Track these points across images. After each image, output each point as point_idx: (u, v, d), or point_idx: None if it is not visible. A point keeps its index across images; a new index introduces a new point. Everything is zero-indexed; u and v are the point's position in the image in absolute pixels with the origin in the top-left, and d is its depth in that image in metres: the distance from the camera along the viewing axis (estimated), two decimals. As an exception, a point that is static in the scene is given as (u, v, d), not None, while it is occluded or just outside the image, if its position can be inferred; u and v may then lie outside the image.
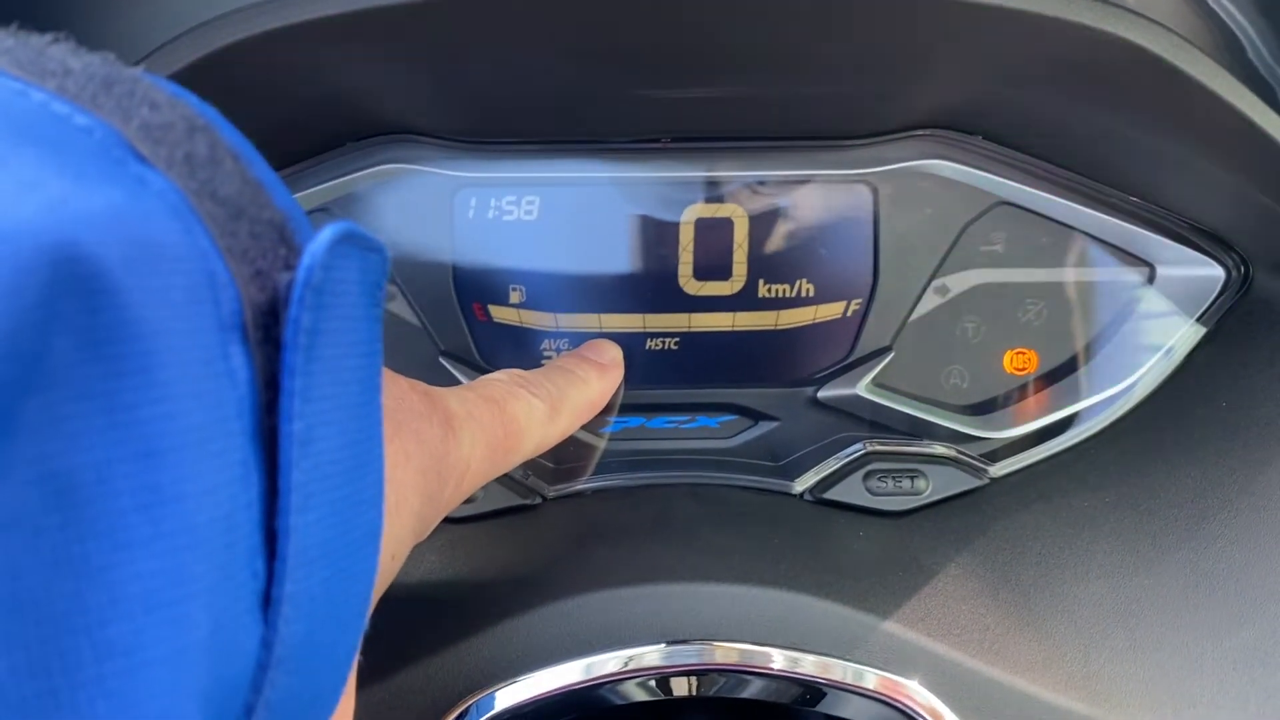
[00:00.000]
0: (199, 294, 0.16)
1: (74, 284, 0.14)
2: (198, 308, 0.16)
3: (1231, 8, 0.39)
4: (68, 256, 0.14)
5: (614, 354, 0.44)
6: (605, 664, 0.35)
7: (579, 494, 0.45)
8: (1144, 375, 0.45)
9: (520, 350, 0.46)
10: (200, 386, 0.16)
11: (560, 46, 0.38)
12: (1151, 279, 0.46)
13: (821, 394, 0.46)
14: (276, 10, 0.35)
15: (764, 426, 0.46)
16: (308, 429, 0.17)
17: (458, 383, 0.45)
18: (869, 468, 0.43)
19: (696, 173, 0.46)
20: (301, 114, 0.42)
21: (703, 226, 0.46)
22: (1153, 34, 0.36)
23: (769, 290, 0.47)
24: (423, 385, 0.31)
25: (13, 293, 0.13)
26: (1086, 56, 0.37)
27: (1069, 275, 0.46)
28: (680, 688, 0.36)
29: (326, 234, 0.17)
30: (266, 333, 0.17)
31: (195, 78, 0.36)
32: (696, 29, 0.36)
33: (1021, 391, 0.46)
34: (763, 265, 0.46)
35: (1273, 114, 0.38)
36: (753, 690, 0.36)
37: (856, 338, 0.46)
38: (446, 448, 0.30)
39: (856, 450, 0.44)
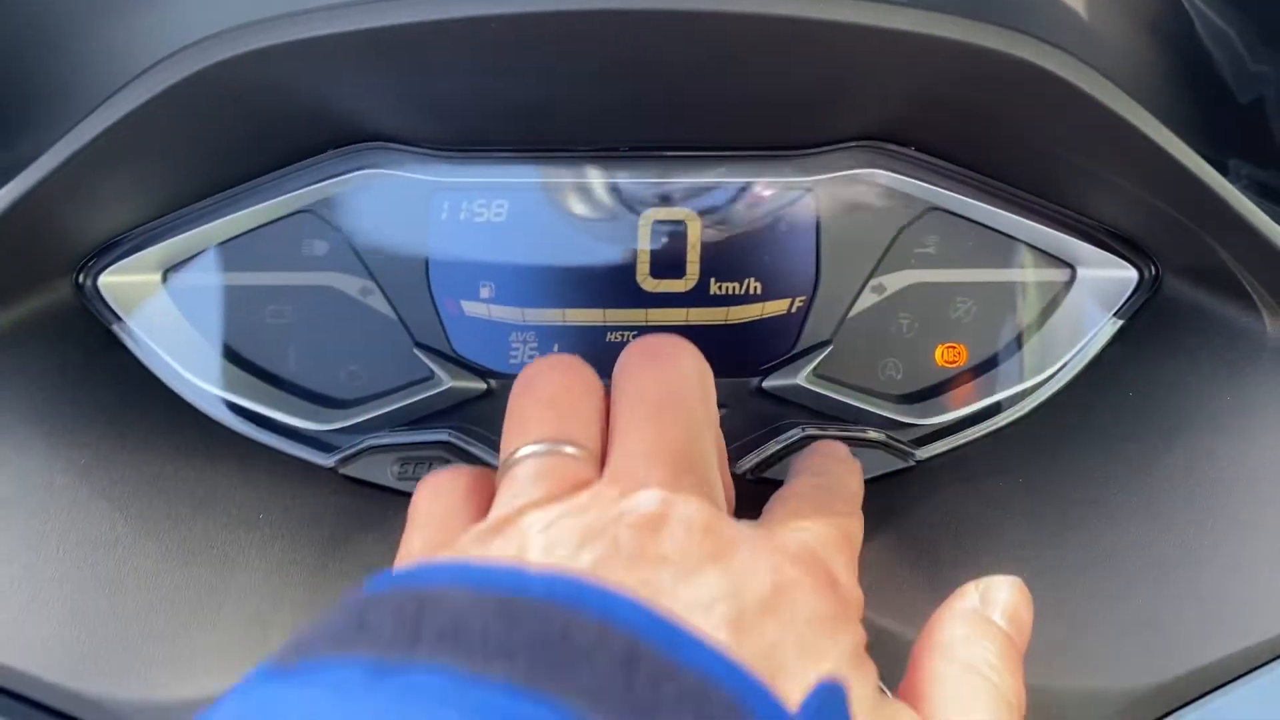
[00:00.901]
0: None
1: None
2: None
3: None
4: None
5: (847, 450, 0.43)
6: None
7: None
8: (1062, 367, 0.49)
9: (490, 342, 0.50)
10: None
11: (527, 73, 0.42)
12: (1072, 279, 0.50)
13: (766, 384, 0.50)
14: (263, 31, 0.39)
15: (713, 414, 0.50)
16: None
17: (431, 372, 0.49)
18: (806, 450, 0.47)
19: (653, 179, 0.50)
20: (287, 124, 0.46)
21: (659, 228, 0.50)
22: (1055, 58, 0.40)
23: (720, 288, 0.50)
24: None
25: None
26: (992, 78, 0.41)
27: (996, 275, 0.50)
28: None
29: None
30: None
31: (188, 90, 0.40)
32: (640, 78, 0.40)
33: (951, 382, 0.50)
34: (714, 265, 0.50)
35: (1167, 131, 0.42)
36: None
37: (799, 332, 0.50)
38: None
39: (795, 434, 0.48)
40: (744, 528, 0.30)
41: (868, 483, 0.46)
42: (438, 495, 0.33)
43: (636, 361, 0.34)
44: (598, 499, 0.29)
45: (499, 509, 0.29)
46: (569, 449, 0.31)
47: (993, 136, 0.47)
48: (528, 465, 0.31)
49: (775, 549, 0.28)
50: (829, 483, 0.39)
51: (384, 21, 0.38)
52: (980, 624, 0.33)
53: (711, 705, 0.22)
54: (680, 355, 0.34)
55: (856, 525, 0.38)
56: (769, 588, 0.26)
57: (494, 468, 0.34)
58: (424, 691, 0.21)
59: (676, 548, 0.27)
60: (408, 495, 0.45)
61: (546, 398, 0.33)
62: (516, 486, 0.30)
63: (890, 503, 0.46)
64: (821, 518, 0.35)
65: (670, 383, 0.33)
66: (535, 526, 0.28)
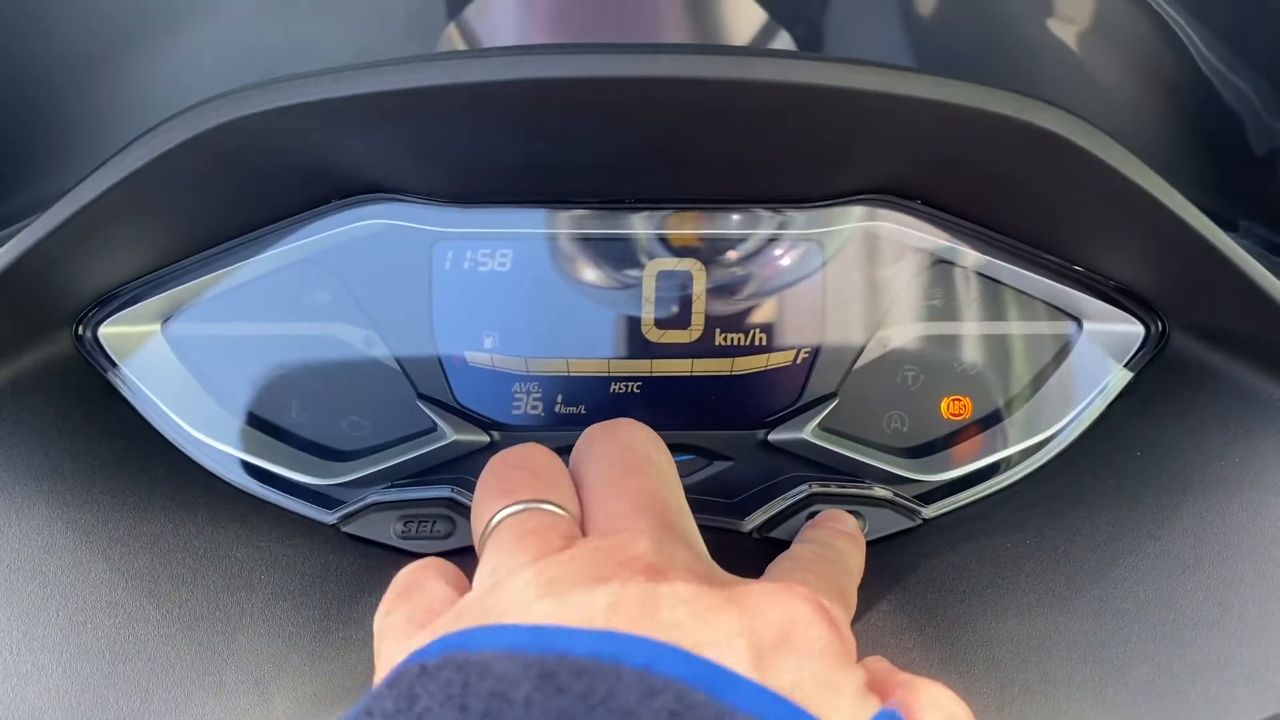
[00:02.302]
0: None
1: None
2: None
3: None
4: None
5: (854, 524, 0.44)
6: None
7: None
8: (1069, 424, 0.49)
9: (493, 393, 0.50)
10: None
11: (535, 133, 0.41)
12: (1078, 334, 0.50)
13: (772, 436, 0.49)
14: (269, 94, 0.39)
15: (718, 466, 0.50)
16: None
17: (434, 424, 0.48)
18: (812, 509, 0.47)
19: (658, 230, 0.49)
20: (291, 178, 0.45)
21: (664, 279, 0.50)
22: (1064, 122, 0.40)
23: (725, 339, 0.50)
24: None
25: None
26: (1001, 141, 0.41)
27: (1002, 329, 0.50)
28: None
29: None
30: None
31: (194, 149, 0.40)
32: (650, 138, 0.40)
33: (956, 436, 0.50)
34: (719, 315, 0.50)
35: (1177, 194, 0.42)
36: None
37: (805, 384, 0.50)
38: None
39: (802, 491, 0.48)
40: (742, 580, 0.30)
41: (874, 543, 0.46)
42: (421, 569, 0.34)
43: (596, 435, 0.36)
44: (596, 550, 0.29)
45: (490, 572, 0.29)
46: (549, 506, 0.32)
47: (1000, 193, 0.47)
48: (511, 525, 0.31)
49: (783, 590, 0.28)
50: (832, 554, 0.40)
51: (394, 85, 0.38)
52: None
53: None
54: (635, 425, 0.36)
55: (853, 590, 0.40)
56: (783, 625, 0.27)
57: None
58: None
59: (688, 590, 0.27)
60: (410, 555, 0.45)
61: (521, 463, 0.34)
62: (503, 548, 0.30)
63: (896, 563, 0.45)
64: (822, 576, 0.37)
65: (634, 446, 0.35)
66: (537, 581, 0.28)
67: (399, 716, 0.23)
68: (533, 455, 0.35)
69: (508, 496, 0.32)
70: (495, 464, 0.35)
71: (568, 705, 0.22)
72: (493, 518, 0.32)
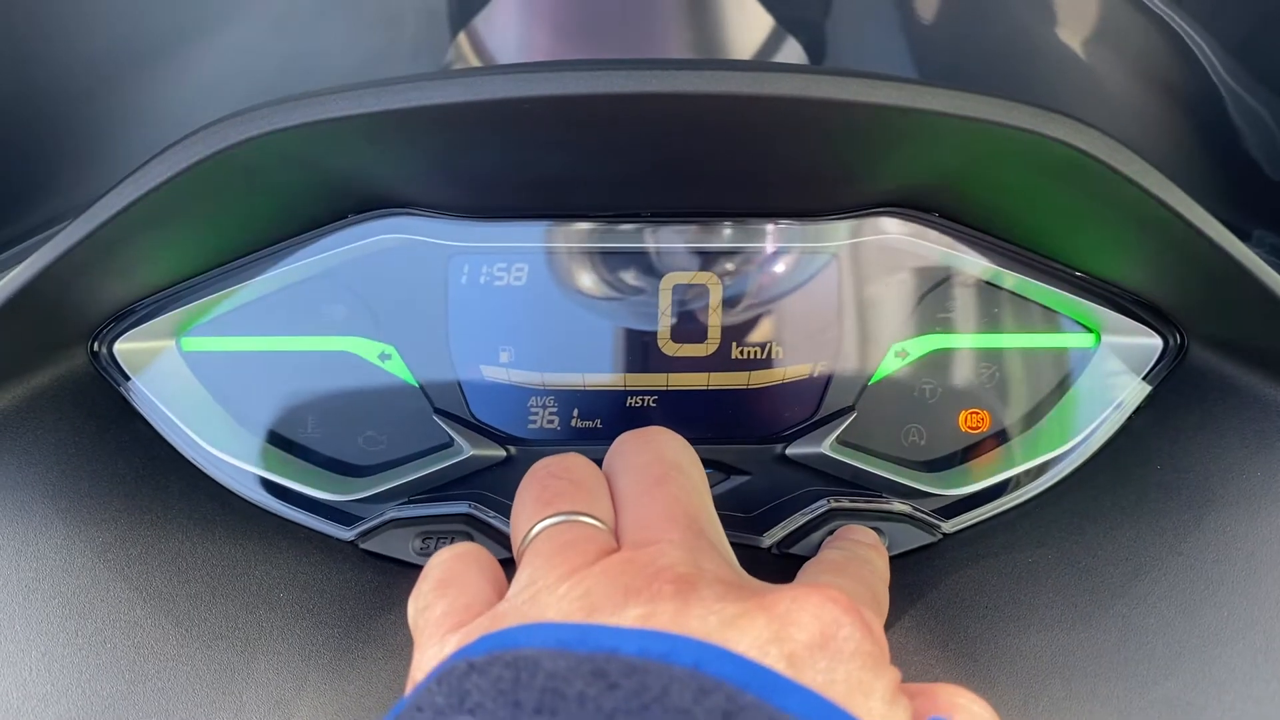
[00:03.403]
0: None
1: None
2: None
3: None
4: None
5: (875, 536, 0.45)
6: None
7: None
8: (1088, 437, 0.49)
9: (509, 407, 0.50)
10: None
11: (553, 148, 0.41)
12: (1096, 346, 0.50)
13: (790, 451, 0.49)
14: (288, 111, 0.38)
15: (735, 480, 0.50)
16: None
17: (450, 439, 0.48)
18: (832, 524, 0.47)
19: (675, 244, 0.49)
20: (309, 194, 0.45)
21: (680, 292, 0.50)
22: (1088, 137, 0.40)
23: (741, 352, 0.50)
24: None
25: None
26: (1028, 155, 0.40)
27: (1019, 341, 0.50)
28: None
29: None
30: None
31: (216, 163, 0.39)
32: (667, 152, 0.40)
33: (975, 450, 0.50)
34: (735, 329, 0.50)
35: (1198, 207, 0.42)
36: None
37: (822, 398, 0.50)
38: None
39: (820, 507, 0.47)
40: (773, 586, 0.30)
41: (894, 559, 0.46)
42: (458, 561, 0.33)
43: (629, 444, 0.36)
44: (628, 562, 0.29)
45: (528, 582, 0.30)
46: (587, 519, 0.32)
47: (1018, 206, 0.47)
48: (550, 537, 0.31)
49: (813, 593, 0.28)
50: (860, 558, 0.40)
51: (412, 103, 0.37)
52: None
53: None
54: (667, 434, 0.37)
55: (884, 592, 0.40)
56: (816, 629, 0.27)
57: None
58: None
59: (718, 599, 0.27)
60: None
61: (562, 472, 0.34)
62: (541, 559, 0.30)
63: (917, 579, 0.45)
64: (853, 578, 0.37)
65: (665, 456, 0.35)
66: (572, 594, 0.28)
67: (451, 713, 0.23)
68: (574, 466, 0.35)
69: (548, 507, 0.32)
70: (537, 472, 0.35)
71: (621, 702, 0.22)
72: (532, 528, 0.32)
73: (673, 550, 0.30)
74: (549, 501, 0.33)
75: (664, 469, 0.34)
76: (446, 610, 0.31)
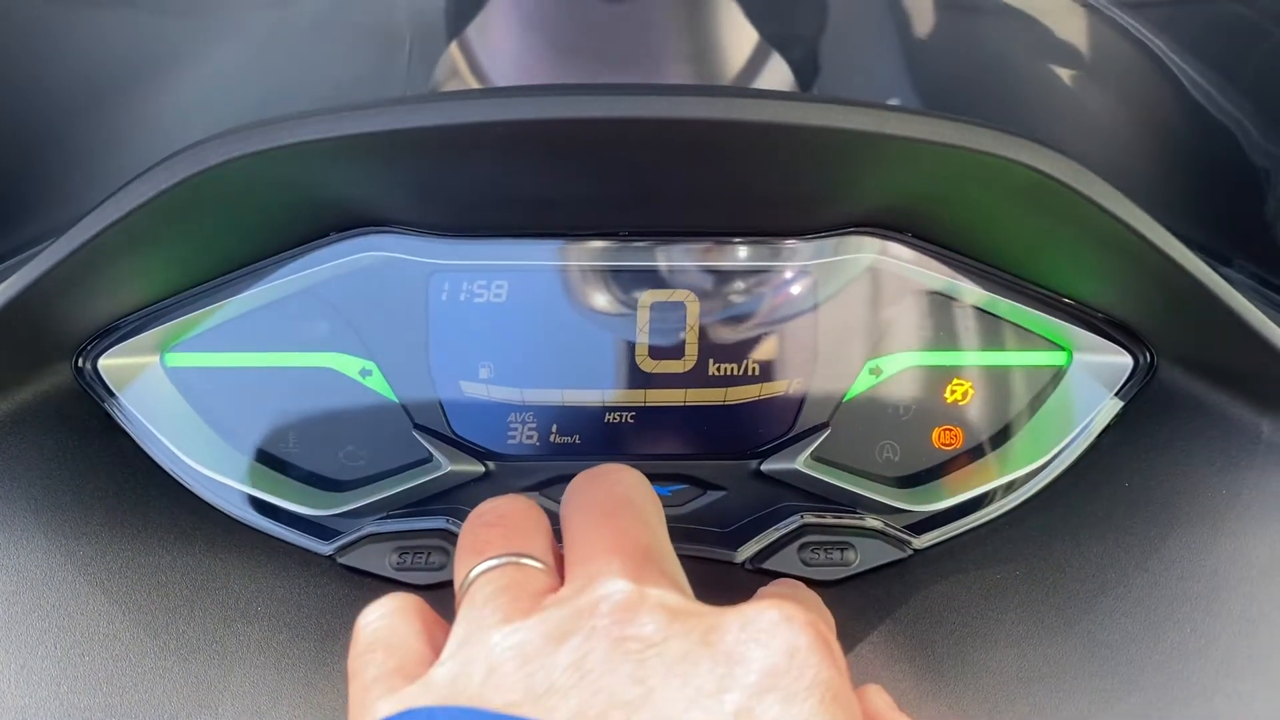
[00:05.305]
0: None
1: None
2: None
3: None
4: None
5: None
6: None
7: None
8: (1059, 454, 0.49)
9: (488, 423, 0.50)
10: None
11: (533, 169, 0.42)
12: (1068, 365, 0.50)
13: (765, 466, 0.50)
14: (269, 133, 0.39)
15: (711, 496, 0.50)
16: None
17: (429, 454, 0.49)
18: (804, 539, 0.47)
19: (652, 262, 0.50)
20: (290, 213, 0.46)
21: (658, 310, 0.50)
22: (1051, 161, 0.40)
23: (718, 369, 0.51)
24: None
25: None
26: (994, 178, 0.41)
27: (992, 359, 0.51)
28: None
29: None
30: None
31: (197, 184, 0.40)
32: (646, 174, 0.41)
33: (947, 466, 0.50)
34: (713, 346, 0.51)
35: (1165, 232, 0.42)
36: None
37: (797, 414, 0.50)
38: None
39: (794, 522, 0.48)
40: (722, 609, 0.29)
41: (864, 574, 0.46)
42: (387, 620, 0.33)
43: (580, 482, 0.36)
44: (559, 605, 0.29)
45: (463, 631, 0.29)
46: (526, 560, 0.32)
47: (988, 227, 0.47)
48: (487, 581, 0.31)
49: (766, 610, 0.28)
50: (799, 594, 0.39)
51: (391, 125, 0.38)
52: None
53: None
54: (620, 470, 0.36)
55: (830, 623, 0.38)
56: (766, 663, 0.26)
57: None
58: None
59: (659, 629, 0.27)
60: (406, 587, 0.45)
61: (496, 519, 0.34)
62: (474, 609, 0.30)
63: (887, 594, 0.46)
64: (801, 605, 0.36)
65: (615, 491, 0.34)
66: (503, 645, 0.28)
67: None
68: (508, 508, 0.35)
69: (479, 555, 0.32)
70: (470, 521, 0.35)
71: None
72: (467, 575, 0.32)
73: (612, 581, 0.29)
74: (480, 549, 0.32)
75: (613, 504, 0.33)
76: (376, 675, 0.30)
